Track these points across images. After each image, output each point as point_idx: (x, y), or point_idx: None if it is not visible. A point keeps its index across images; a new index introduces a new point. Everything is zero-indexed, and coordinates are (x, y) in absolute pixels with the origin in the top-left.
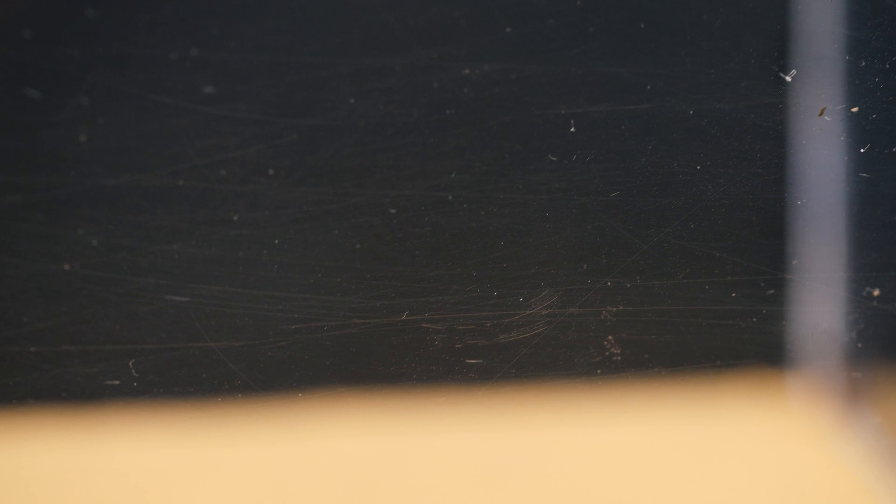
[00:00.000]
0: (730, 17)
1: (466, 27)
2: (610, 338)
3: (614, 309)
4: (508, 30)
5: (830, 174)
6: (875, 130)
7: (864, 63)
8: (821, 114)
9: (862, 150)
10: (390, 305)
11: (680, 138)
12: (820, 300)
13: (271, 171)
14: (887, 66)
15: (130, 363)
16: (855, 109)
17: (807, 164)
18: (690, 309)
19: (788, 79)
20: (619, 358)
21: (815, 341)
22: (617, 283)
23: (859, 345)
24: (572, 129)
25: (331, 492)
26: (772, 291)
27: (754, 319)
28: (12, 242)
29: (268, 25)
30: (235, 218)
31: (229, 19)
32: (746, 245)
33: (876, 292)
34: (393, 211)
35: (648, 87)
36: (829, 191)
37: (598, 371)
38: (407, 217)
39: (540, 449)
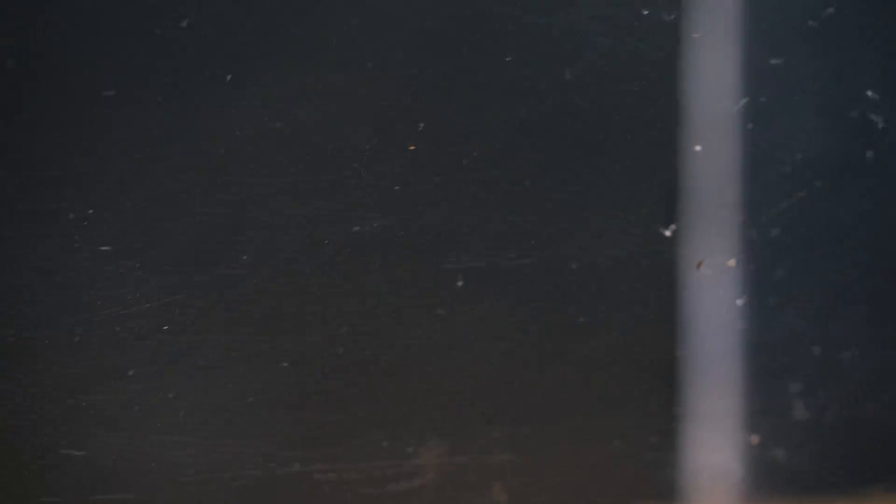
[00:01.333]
0: (616, 168)
1: (356, 181)
2: (498, 485)
3: (503, 455)
4: (397, 188)
5: (713, 324)
6: (754, 282)
7: (743, 218)
8: (699, 266)
9: (739, 303)
10: (282, 456)
11: (568, 288)
12: (708, 444)
13: (165, 327)
14: (764, 220)
15: None
16: (732, 263)
17: (692, 314)
18: (581, 452)
19: (668, 233)
20: None
21: (704, 484)
22: (506, 429)
23: (745, 488)
24: (460, 283)
25: None
26: (661, 436)
27: (644, 463)
28: None
29: (158, 187)
30: (130, 373)
31: (125, 178)
32: (636, 390)
33: (754, 440)
34: (285, 364)
35: (532, 241)
36: (714, 339)
37: None
38: (301, 368)
39: None
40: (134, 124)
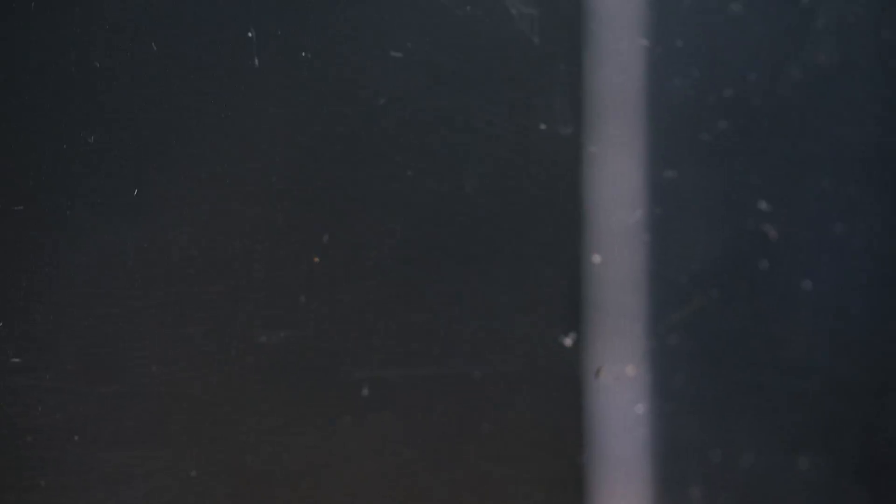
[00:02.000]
0: (516, 280)
1: (266, 296)
2: None
3: None
4: (303, 298)
5: (615, 431)
6: (652, 391)
7: (640, 326)
8: (598, 374)
9: (638, 411)
10: None
11: (471, 396)
12: None
13: (76, 437)
14: (662, 328)
15: None
16: (630, 371)
17: (593, 421)
18: None
19: (569, 342)
20: None
21: None
22: None
23: None
24: (365, 392)
25: None
26: None
27: None
28: None
29: (71, 295)
30: (42, 483)
31: (32, 290)
32: (540, 498)
33: None
34: (194, 473)
35: (436, 350)
36: (616, 446)
37: None
38: (205, 480)
39: None
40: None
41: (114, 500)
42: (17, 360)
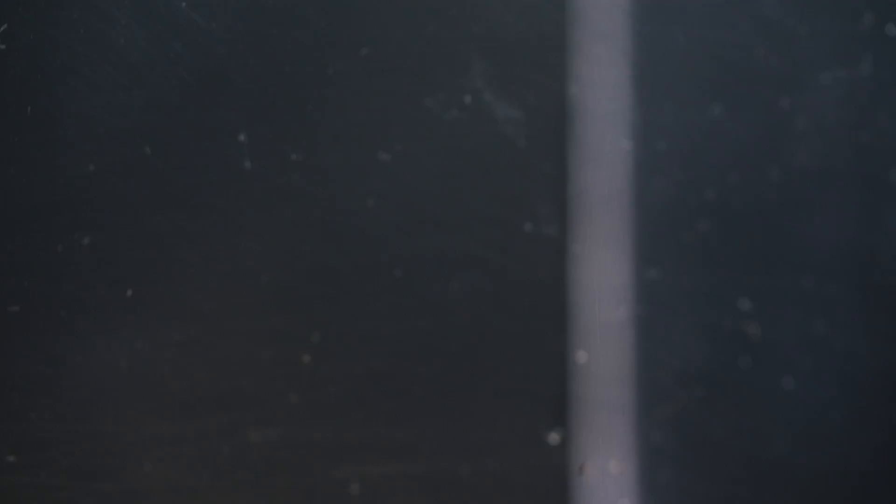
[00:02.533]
0: (502, 378)
1: (254, 394)
2: None
3: None
4: (293, 397)
5: None
6: (636, 488)
7: (625, 422)
8: (582, 471)
9: None
10: None
11: (460, 495)
12: None
13: None
14: (647, 426)
15: None
16: (615, 467)
17: None
18: None
19: (555, 439)
20: None
21: None
22: None
23: None
24: (355, 490)
25: None
26: None
27: None
28: None
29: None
30: None
31: (26, 390)
32: None
33: None
34: None
35: (424, 448)
36: None
37: None
38: None
39: None
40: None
41: None
42: (12, 458)
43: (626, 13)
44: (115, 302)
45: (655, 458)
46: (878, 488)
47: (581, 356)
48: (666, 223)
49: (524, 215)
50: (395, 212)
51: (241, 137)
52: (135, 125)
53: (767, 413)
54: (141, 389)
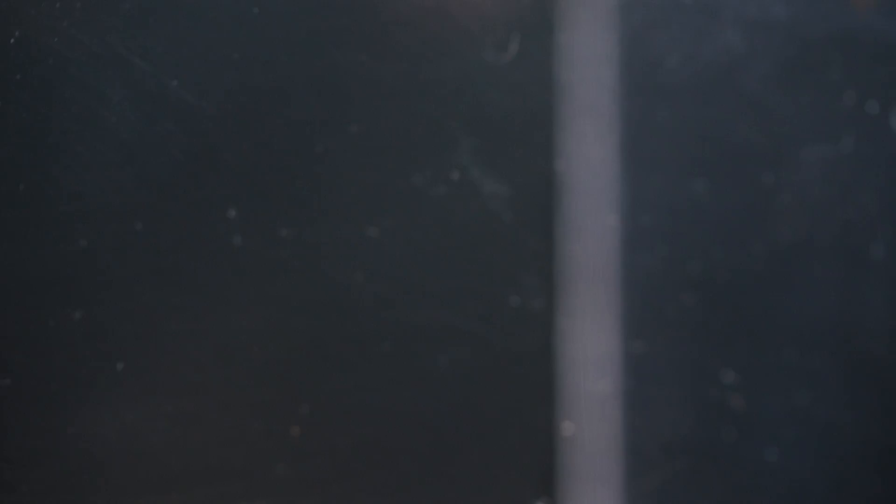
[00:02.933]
0: (491, 450)
1: (242, 467)
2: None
3: None
4: (281, 469)
5: None
6: None
7: (611, 494)
8: None
9: None
10: None
11: None
12: None
13: None
14: (634, 497)
15: None
16: None
17: None
18: None
19: None
20: None
21: None
22: None
23: None
24: None
25: None
26: None
27: None
28: None
29: None
30: None
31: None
32: None
33: None
34: None
35: None
36: None
37: None
38: None
39: None
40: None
41: None
42: None
43: (611, 90)
44: (106, 376)
45: None
46: None
47: (567, 428)
48: (651, 297)
49: (511, 289)
50: (383, 285)
51: (232, 213)
52: (127, 202)
53: (751, 484)
54: (131, 462)
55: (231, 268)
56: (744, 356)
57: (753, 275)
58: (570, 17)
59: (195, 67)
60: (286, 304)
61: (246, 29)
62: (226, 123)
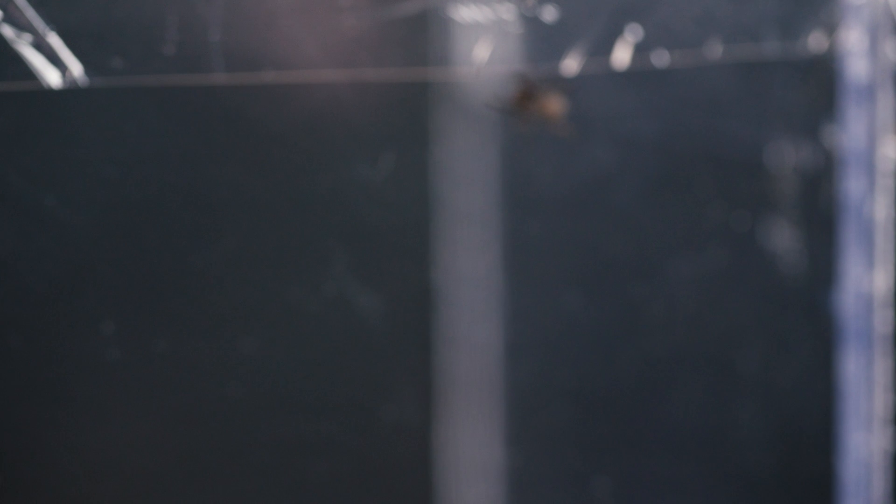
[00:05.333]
0: None
1: None
2: None
3: None
4: None
5: None
6: None
7: None
8: None
9: None
10: None
11: None
12: None
13: None
14: None
15: None
16: None
17: None
18: None
19: None
20: None
21: None
22: None
23: None
24: None
25: None
26: None
27: None
28: None
29: None
30: None
31: None
32: None
33: None
34: None
35: None
36: None
37: None
38: None
39: None
40: None
41: None
42: None
43: (488, 204)
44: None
45: None
46: None
47: None
48: (528, 408)
49: (388, 401)
50: (259, 399)
51: (107, 328)
52: (2, 320)
53: None
54: None
55: (106, 382)
56: (617, 465)
57: (626, 386)
58: (444, 133)
59: (70, 184)
60: (161, 418)
61: (121, 146)
62: (101, 239)
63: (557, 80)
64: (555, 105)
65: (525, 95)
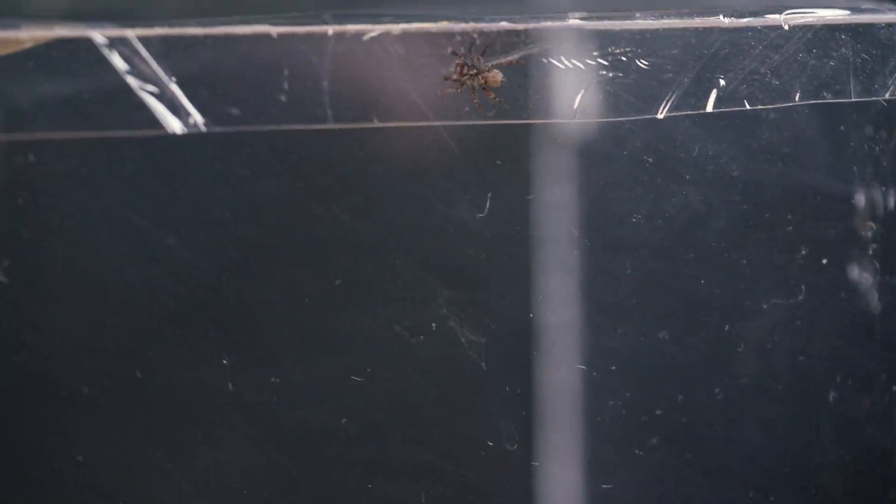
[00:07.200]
0: None
1: None
2: None
3: None
4: None
5: None
6: None
7: None
8: None
9: None
10: None
11: None
12: None
13: None
14: None
15: None
16: None
17: None
18: None
19: None
20: None
21: None
22: None
23: None
24: None
25: None
26: None
27: None
28: None
29: None
30: None
31: None
32: None
33: None
34: None
35: None
36: None
37: None
38: None
39: None
40: None
41: None
42: None
43: (580, 246)
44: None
45: None
46: None
47: None
48: (618, 439)
49: (487, 431)
50: (367, 428)
51: (225, 362)
52: (125, 351)
53: None
54: None
55: (223, 412)
56: (704, 494)
57: (714, 417)
58: (542, 176)
59: (189, 225)
60: (275, 445)
61: (237, 189)
62: (219, 277)
63: (496, 57)
64: (496, 77)
65: (467, 71)
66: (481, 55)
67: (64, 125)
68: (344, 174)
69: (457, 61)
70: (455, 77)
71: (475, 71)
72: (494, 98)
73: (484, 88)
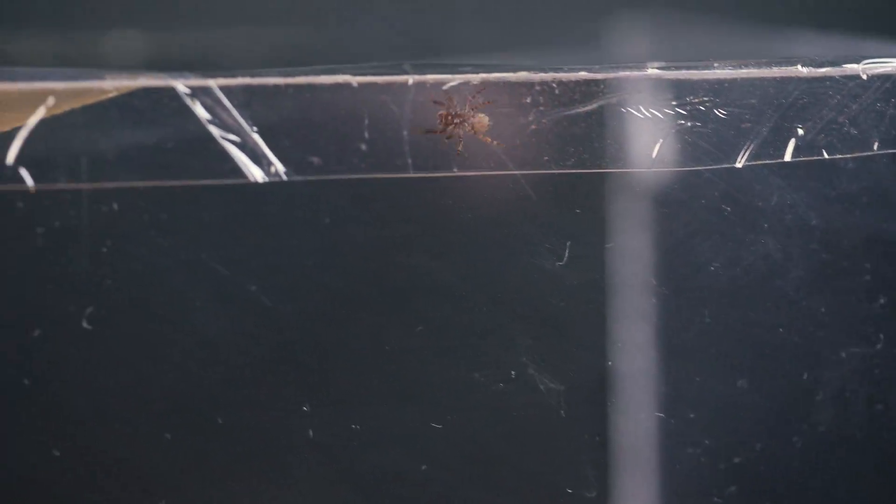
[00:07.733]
0: None
1: None
2: None
3: None
4: None
5: None
6: None
7: None
8: None
9: None
10: None
11: None
12: None
13: None
14: None
15: None
16: None
17: None
18: None
19: None
20: None
21: None
22: None
23: None
24: None
25: None
26: None
27: None
28: None
29: None
30: None
31: None
32: None
33: None
34: None
35: None
36: None
37: None
38: None
39: None
40: None
41: None
42: None
43: (656, 294)
44: None
45: None
46: None
47: None
48: (696, 487)
49: (566, 478)
50: (446, 475)
51: (305, 408)
52: (211, 398)
53: None
54: None
55: (305, 458)
56: None
57: (792, 464)
58: (619, 226)
59: (271, 273)
60: (354, 493)
61: (318, 237)
62: (301, 324)
63: (475, 100)
64: (482, 122)
65: (451, 121)
66: (474, 96)
67: (147, 174)
68: (424, 222)
69: (439, 112)
70: (440, 129)
71: (460, 119)
72: (493, 142)
73: (478, 134)
